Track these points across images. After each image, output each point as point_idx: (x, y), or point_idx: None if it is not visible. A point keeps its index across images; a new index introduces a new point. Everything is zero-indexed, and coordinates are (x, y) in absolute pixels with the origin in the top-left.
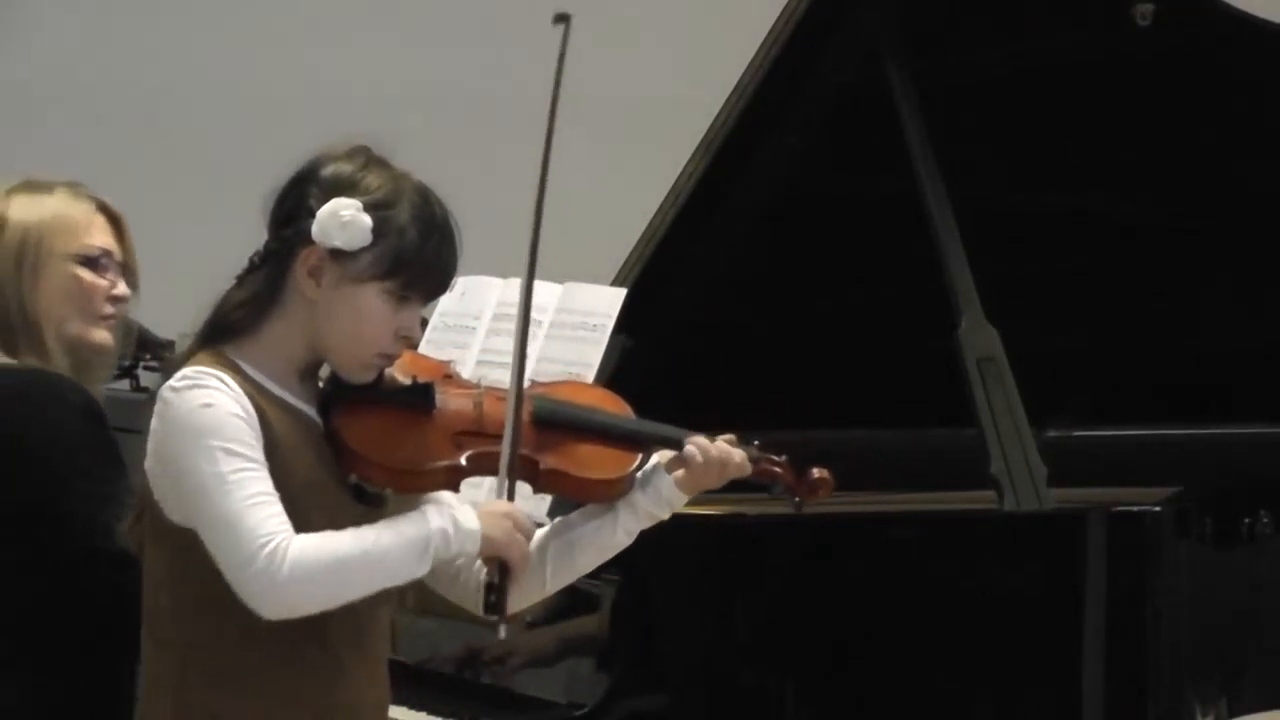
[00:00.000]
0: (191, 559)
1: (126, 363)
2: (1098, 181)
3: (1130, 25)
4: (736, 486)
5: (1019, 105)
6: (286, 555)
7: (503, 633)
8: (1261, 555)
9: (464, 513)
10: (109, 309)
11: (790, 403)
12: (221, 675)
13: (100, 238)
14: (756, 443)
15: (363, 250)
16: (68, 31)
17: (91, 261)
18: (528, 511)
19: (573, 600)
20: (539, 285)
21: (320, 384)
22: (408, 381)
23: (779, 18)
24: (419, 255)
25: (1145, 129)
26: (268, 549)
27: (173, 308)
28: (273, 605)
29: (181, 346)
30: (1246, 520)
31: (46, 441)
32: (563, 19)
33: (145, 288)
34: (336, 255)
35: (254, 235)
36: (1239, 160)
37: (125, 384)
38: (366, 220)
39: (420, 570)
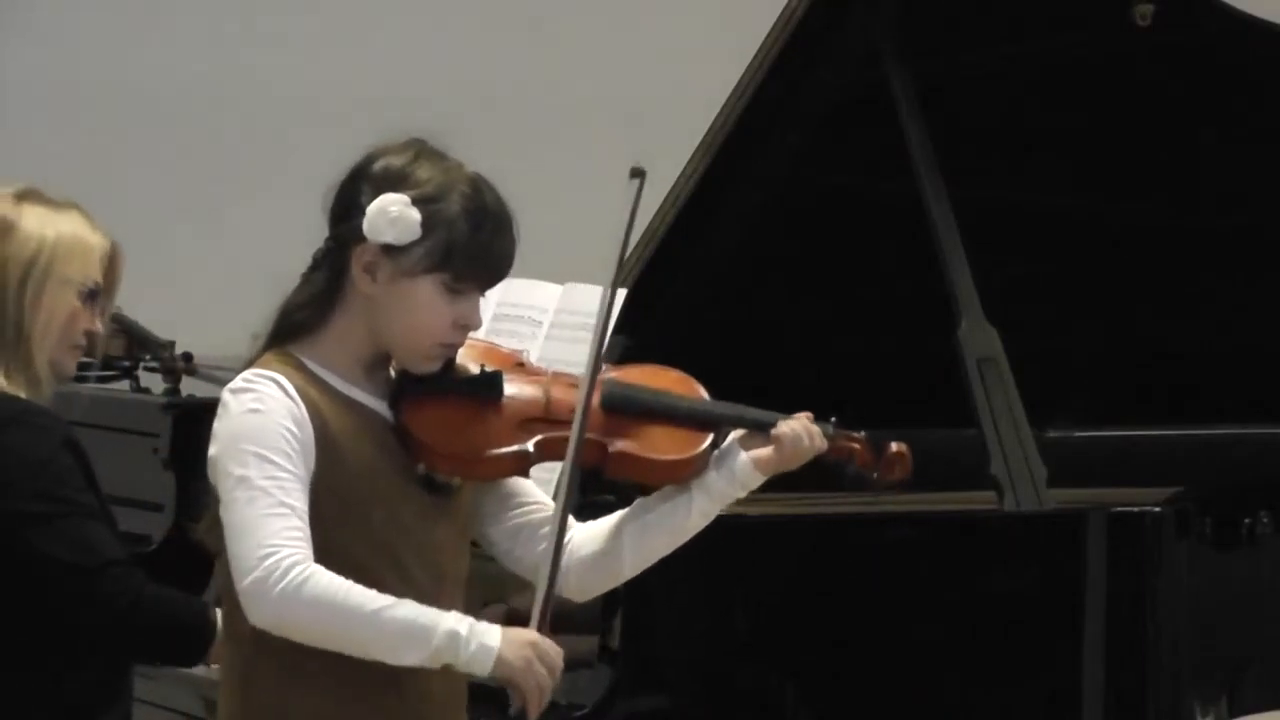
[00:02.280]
0: None
1: (126, 363)
2: (1098, 181)
3: (1130, 25)
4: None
5: (1019, 105)
6: (287, 572)
7: None
8: (1261, 555)
9: (488, 629)
10: (83, 340)
11: (790, 403)
12: (291, 669)
13: (100, 272)
14: (834, 419)
15: (414, 244)
16: (70, 32)
17: (91, 296)
18: (556, 648)
19: (573, 600)
20: (538, 285)
21: (392, 374)
22: (477, 371)
23: (779, 18)
24: (470, 246)
25: (1145, 129)
26: (269, 560)
27: (172, 309)
28: (256, 614)
29: (250, 347)
30: (1246, 520)
31: (9, 471)
32: (638, 174)
33: (146, 288)
34: (389, 250)
35: (256, 237)
36: (1239, 160)
37: (125, 384)
38: (415, 214)
39: (415, 659)
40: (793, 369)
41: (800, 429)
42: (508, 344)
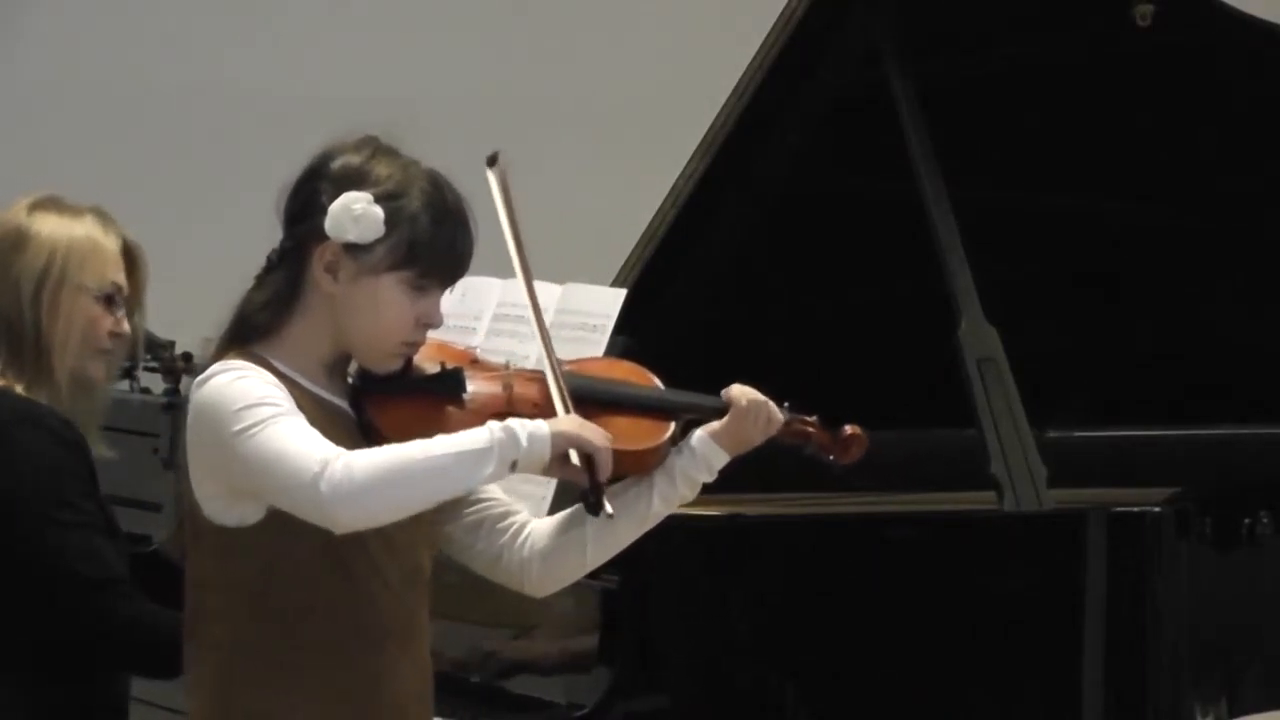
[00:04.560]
0: (234, 559)
1: (127, 363)
2: (1097, 182)
3: (1130, 25)
4: (736, 485)
5: (1019, 105)
6: (340, 464)
7: (610, 510)
8: (1261, 555)
9: (525, 419)
10: (108, 344)
11: (790, 403)
12: (267, 674)
13: (120, 274)
14: (786, 404)
15: (377, 242)
16: (70, 32)
17: (108, 300)
18: None
19: (573, 600)
20: (538, 285)
21: (349, 379)
22: (436, 369)
23: (779, 18)
24: (433, 242)
25: (1145, 129)
26: (319, 459)
27: (173, 308)
28: (338, 514)
29: (204, 350)
30: (1246, 521)
31: (19, 471)
32: (493, 161)
33: (146, 288)
34: (351, 249)
35: (255, 236)
36: (1239, 160)
37: (125, 384)
38: (378, 212)
39: (487, 469)
40: (792, 369)
41: (751, 391)
42: (507, 344)
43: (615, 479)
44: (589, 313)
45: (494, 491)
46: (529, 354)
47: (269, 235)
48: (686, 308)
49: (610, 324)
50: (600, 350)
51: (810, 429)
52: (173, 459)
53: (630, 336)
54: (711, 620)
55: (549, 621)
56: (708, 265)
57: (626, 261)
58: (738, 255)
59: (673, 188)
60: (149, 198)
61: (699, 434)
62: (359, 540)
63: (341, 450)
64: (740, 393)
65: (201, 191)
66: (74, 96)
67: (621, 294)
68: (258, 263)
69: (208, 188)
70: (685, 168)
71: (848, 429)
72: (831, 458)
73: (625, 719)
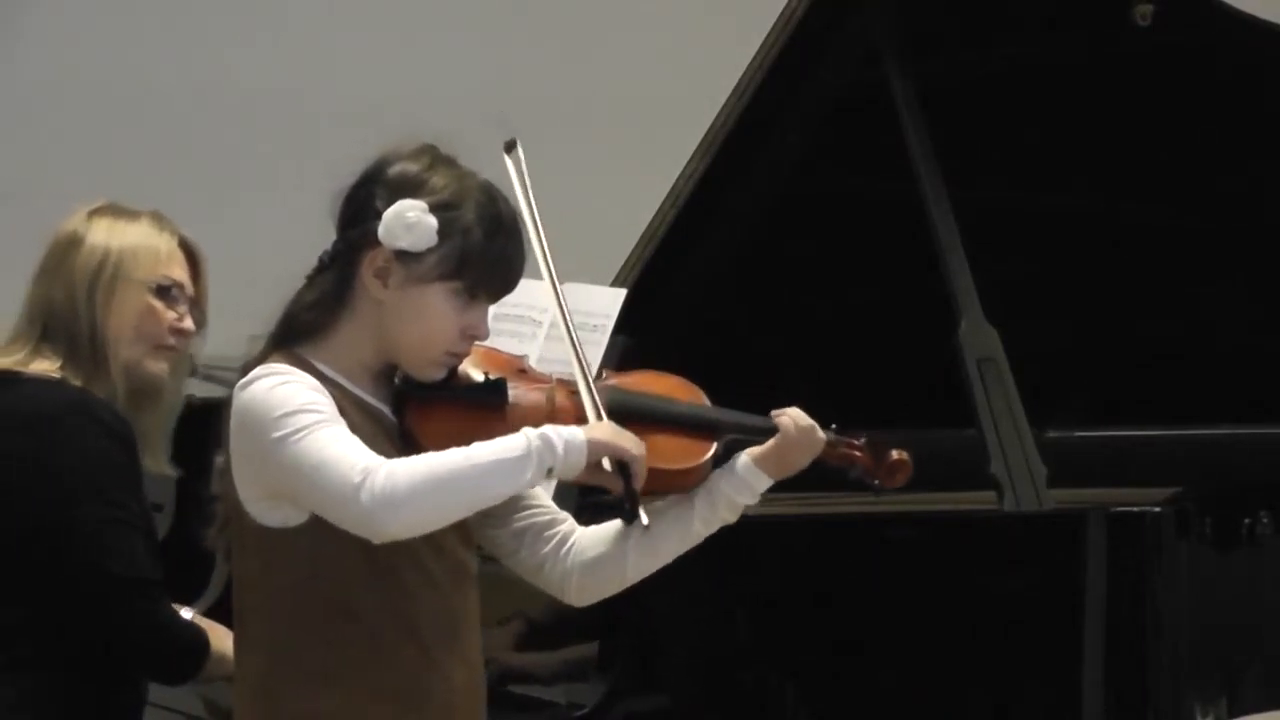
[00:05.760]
0: (278, 559)
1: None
2: (1098, 181)
3: (1130, 25)
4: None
5: (1019, 105)
6: (382, 473)
7: (645, 520)
8: (1261, 555)
9: (561, 426)
10: (171, 340)
11: (790, 404)
12: (313, 672)
13: (176, 271)
14: (834, 426)
15: (429, 251)
16: (70, 32)
17: (164, 291)
18: None
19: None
20: (537, 285)
21: (396, 381)
22: (480, 377)
23: (779, 18)
24: (485, 254)
25: (1145, 129)
26: (361, 468)
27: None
28: (380, 524)
29: (251, 349)
30: (1246, 521)
31: (66, 459)
32: (511, 147)
33: None
34: (402, 256)
35: (255, 236)
36: (1239, 160)
37: None
38: (432, 221)
39: (525, 475)
40: (793, 369)
41: (801, 415)
42: (508, 344)
43: (655, 497)
44: (589, 313)
45: (541, 499)
46: (529, 354)
47: (269, 235)
48: (686, 308)
49: (610, 324)
50: (600, 350)
51: (856, 453)
52: (172, 459)
53: (630, 336)
54: (711, 620)
55: (550, 621)
56: (708, 265)
57: (626, 261)
58: (738, 255)
59: (673, 188)
60: (149, 198)
61: (743, 458)
62: (404, 540)
63: (383, 459)
64: (791, 418)
65: (202, 191)
66: (74, 96)
67: (621, 294)
68: (258, 263)
69: (208, 188)
70: (685, 168)
71: (894, 454)
72: (876, 482)
73: (625, 719)
